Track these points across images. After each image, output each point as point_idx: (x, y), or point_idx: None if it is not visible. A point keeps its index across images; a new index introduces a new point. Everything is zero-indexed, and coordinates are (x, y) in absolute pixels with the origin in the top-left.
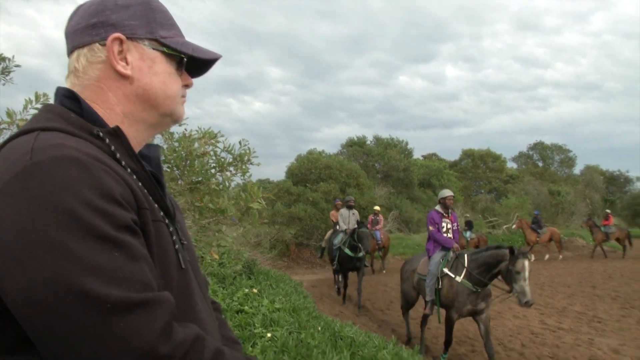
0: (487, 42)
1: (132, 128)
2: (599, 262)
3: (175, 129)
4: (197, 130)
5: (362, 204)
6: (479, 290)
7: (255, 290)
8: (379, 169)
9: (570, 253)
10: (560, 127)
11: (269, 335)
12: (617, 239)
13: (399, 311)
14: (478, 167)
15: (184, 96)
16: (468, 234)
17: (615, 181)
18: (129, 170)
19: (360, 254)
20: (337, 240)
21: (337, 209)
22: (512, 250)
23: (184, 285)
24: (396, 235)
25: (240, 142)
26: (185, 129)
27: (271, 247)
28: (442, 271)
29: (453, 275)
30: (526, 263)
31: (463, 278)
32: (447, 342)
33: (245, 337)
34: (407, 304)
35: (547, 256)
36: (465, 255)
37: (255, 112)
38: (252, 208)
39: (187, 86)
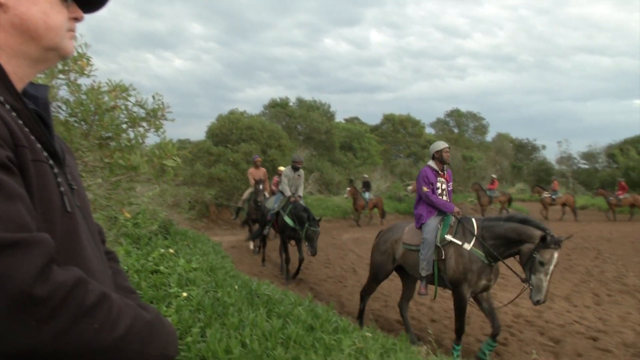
0: (411, 9)
1: (11, 62)
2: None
3: (84, 81)
4: (107, 83)
5: (284, 165)
6: (492, 263)
7: (171, 251)
8: (301, 131)
9: (479, 216)
10: (476, 96)
11: (184, 294)
12: (500, 202)
13: (332, 284)
14: (398, 131)
15: (72, 30)
16: (367, 195)
17: (524, 148)
18: (7, 106)
19: (300, 229)
20: (277, 204)
21: (257, 167)
22: (544, 237)
23: (70, 230)
24: (316, 197)
25: (153, 97)
26: (94, 81)
27: (190, 208)
28: (443, 238)
29: (460, 243)
30: (555, 255)
31: (473, 246)
32: (460, 330)
33: (160, 297)
34: (377, 280)
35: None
36: (474, 221)
37: (175, 70)
38: (167, 165)
39: (76, 20)
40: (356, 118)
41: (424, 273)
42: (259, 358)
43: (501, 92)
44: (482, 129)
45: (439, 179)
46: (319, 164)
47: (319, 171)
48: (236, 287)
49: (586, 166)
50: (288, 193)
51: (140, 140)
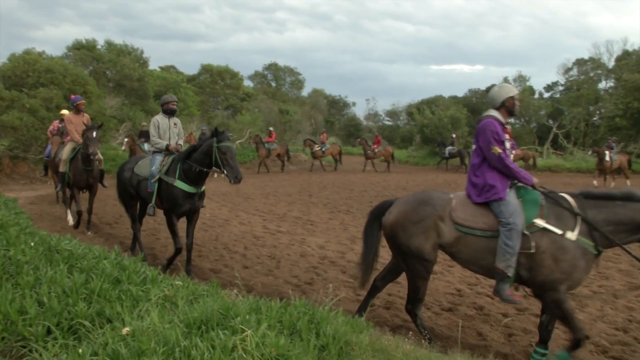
0: None
1: None
2: (317, 174)
3: None
4: None
5: (91, 114)
6: (601, 253)
7: None
8: (111, 77)
9: (295, 167)
10: (294, 51)
11: None
12: (278, 155)
13: (145, 237)
14: (216, 83)
15: None
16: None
17: (336, 104)
18: None
19: (203, 188)
20: (154, 167)
21: (79, 111)
22: None
23: None
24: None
25: None
26: None
27: None
28: (532, 224)
29: (560, 231)
30: None
31: (579, 235)
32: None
33: None
34: (425, 278)
35: (266, 170)
36: (569, 198)
37: None
38: None
39: None
40: (172, 67)
41: (510, 272)
42: (59, 315)
43: (317, 49)
44: (298, 83)
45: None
46: (131, 113)
47: (131, 121)
48: (32, 244)
49: (390, 123)
50: (164, 144)
51: None
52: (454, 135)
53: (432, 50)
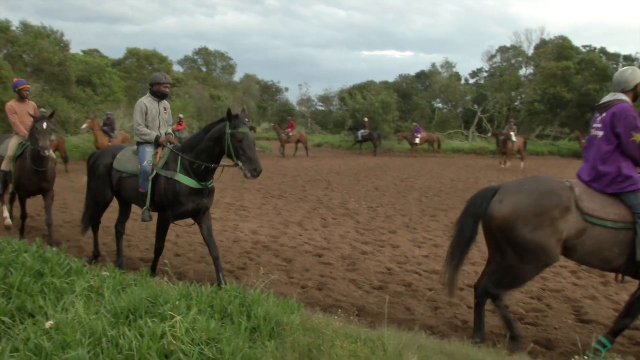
0: None
1: None
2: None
3: None
4: None
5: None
6: None
7: None
8: (28, 61)
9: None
10: (225, 36)
11: None
12: None
13: (69, 229)
14: (143, 67)
15: None
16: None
17: (269, 90)
18: None
19: (210, 183)
20: (145, 161)
21: (23, 98)
22: None
23: None
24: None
25: None
26: None
27: None
28: None
29: None
30: None
31: None
32: None
33: None
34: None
35: None
36: None
37: None
38: None
39: None
40: (96, 50)
41: None
42: None
43: (249, 33)
44: (229, 68)
45: None
46: (52, 99)
47: (52, 108)
48: None
49: (322, 108)
50: (152, 135)
51: None
52: (366, 119)
53: (364, 36)
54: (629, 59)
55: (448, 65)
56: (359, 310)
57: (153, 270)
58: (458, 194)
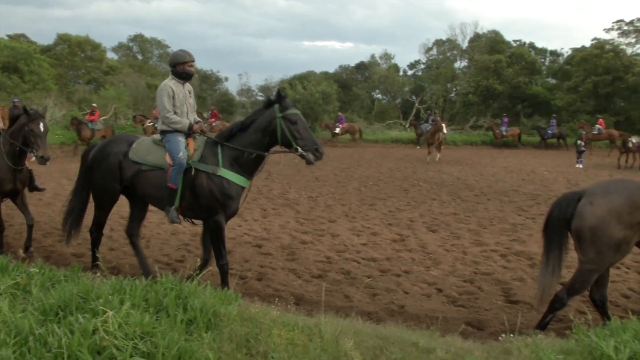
0: None
1: None
2: None
3: None
4: None
5: None
6: None
7: None
8: None
9: None
10: (162, 23)
11: None
12: (103, 137)
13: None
14: (75, 54)
15: None
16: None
17: (208, 79)
18: None
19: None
20: (180, 153)
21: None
22: None
23: None
24: None
25: None
26: None
27: None
28: None
29: None
30: None
31: None
32: None
33: None
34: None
35: None
36: None
37: None
38: None
39: None
40: (23, 35)
41: None
42: None
43: (187, 21)
44: (167, 57)
45: None
46: None
47: None
48: None
49: (263, 98)
50: (184, 123)
51: None
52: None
53: (305, 26)
54: (554, 54)
55: (387, 56)
56: (298, 299)
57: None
58: (396, 183)
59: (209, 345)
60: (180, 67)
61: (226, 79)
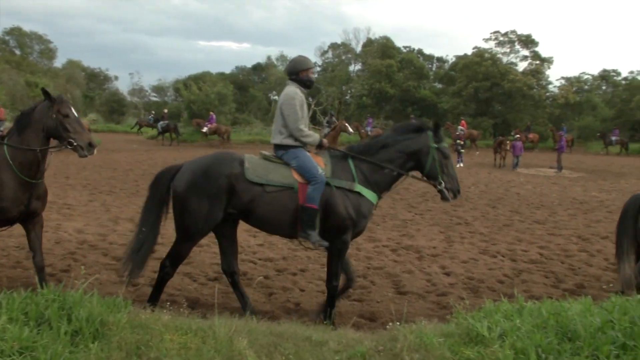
0: None
1: None
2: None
3: None
4: None
5: None
6: None
7: None
8: None
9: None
10: (45, 16)
11: None
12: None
13: None
14: None
15: None
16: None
17: (96, 78)
18: None
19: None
20: (320, 169)
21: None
22: None
23: None
24: None
25: None
26: None
27: None
28: None
29: None
30: None
31: None
32: None
33: None
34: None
35: None
36: None
37: None
38: None
39: None
40: None
41: None
42: None
43: (73, 15)
44: (49, 53)
45: None
46: None
47: None
48: None
49: (157, 99)
50: (316, 137)
51: None
52: (165, 111)
53: (201, 25)
54: (441, 60)
55: (284, 58)
56: (193, 303)
57: (327, 315)
58: None
59: (96, 356)
60: (305, 74)
61: (116, 77)
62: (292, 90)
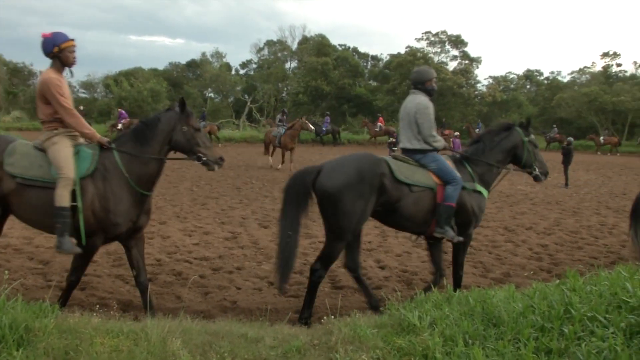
0: None
1: None
2: None
3: None
4: None
5: None
6: None
7: None
8: None
9: None
10: None
11: None
12: None
13: None
14: None
15: None
16: None
17: (20, 73)
18: None
19: None
20: (455, 170)
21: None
22: None
23: None
24: None
25: None
26: None
27: None
28: None
29: None
30: None
31: None
32: None
33: None
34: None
35: None
36: None
37: None
38: None
39: None
40: None
41: None
42: None
43: None
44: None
45: None
46: None
47: None
48: None
49: (86, 95)
50: (443, 143)
51: None
52: (81, 107)
53: (132, 19)
54: (375, 59)
55: (218, 55)
56: (126, 306)
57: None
58: (229, 182)
59: None
60: (430, 84)
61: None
62: (425, 100)
